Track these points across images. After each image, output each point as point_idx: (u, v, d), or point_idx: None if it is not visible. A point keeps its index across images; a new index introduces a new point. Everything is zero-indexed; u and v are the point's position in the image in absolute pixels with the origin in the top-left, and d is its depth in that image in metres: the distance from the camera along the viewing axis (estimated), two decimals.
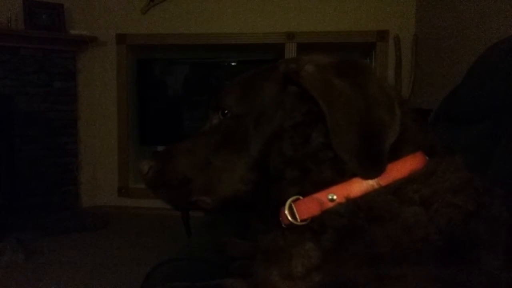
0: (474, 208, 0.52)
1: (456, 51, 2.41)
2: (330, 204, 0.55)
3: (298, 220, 0.55)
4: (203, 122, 0.71)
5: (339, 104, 0.55)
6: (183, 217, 2.83)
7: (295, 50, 3.44)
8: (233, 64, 3.74)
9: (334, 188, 0.55)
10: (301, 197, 0.57)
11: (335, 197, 0.55)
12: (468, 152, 0.95)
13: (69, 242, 2.85)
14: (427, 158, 0.58)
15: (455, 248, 0.49)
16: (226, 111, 0.64)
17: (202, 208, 0.65)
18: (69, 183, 3.51)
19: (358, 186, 0.55)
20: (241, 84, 0.70)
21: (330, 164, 0.56)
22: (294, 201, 0.57)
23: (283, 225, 0.58)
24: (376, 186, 0.54)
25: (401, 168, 0.55)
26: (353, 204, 0.53)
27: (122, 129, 3.71)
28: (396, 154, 0.56)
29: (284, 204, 0.57)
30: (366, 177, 0.54)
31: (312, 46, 3.52)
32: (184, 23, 3.55)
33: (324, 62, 0.61)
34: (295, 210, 0.56)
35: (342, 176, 0.55)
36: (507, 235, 0.51)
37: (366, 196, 0.54)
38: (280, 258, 0.56)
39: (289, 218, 0.56)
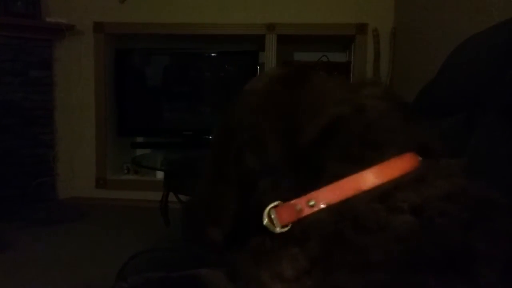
0: (470, 218, 0.49)
1: (433, 45, 2.44)
2: (310, 210, 0.52)
3: (279, 226, 0.53)
4: None
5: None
6: (161, 208, 2.83)
7: (275, 42, 3.44)
8: (213, 55, 3.72)
9: (314, 193, 0.52)
10: (280, 203, 0.54)
11: (314, 202, 0.52)
12: (443, 143, 0.97)
13: (45, 234, 2.81)
14: (419, 159, 0.55)
15: (452, 260, 0.47)
16: None
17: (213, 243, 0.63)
18: (45, 174, 3.45)
19: (338, 192, 0.52)
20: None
21: (306, 168, 0.54)
22: (274, 207, 0.54)
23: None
24: (356, 192, 0.51)
25: (383, 171, 0.52)
26: (336, 211, 0.51)
27: (100, 119, 3.66)
28: (373, 156, 0.53)
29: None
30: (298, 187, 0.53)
31: (292, 38, 3.53)
32: (164, 12, 3.51)
33: (273, 74, 0.61)
34: (274, 216, 0.54)
35: (319, 179, 0.53)
36: (507, 248, 0.48)
37: (347, 203, 0.51)
38: (270, 259, 0.54)
39: (269, 225, 0.53)
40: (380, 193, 0.51)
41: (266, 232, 0.55)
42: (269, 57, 3.46)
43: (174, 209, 2.67)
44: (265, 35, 3.44)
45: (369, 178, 0.52)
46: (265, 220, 0.54)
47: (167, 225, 2.68)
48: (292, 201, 0.53)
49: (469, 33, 1.09)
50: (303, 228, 0.52)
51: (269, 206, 0.54)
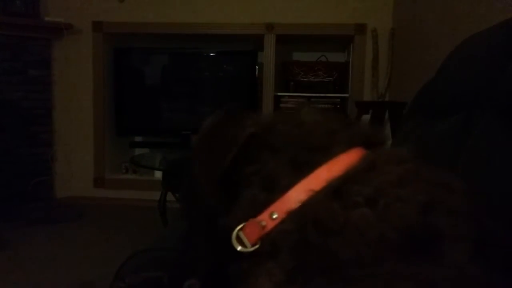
0: (427, 200, 0.50)
1: (432, 45, 2.44)
2: (274, 223, 0.53)
3: (249, 246, 0.54)
4: None
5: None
6: (159, 208, 2.83)
7: (274, 42, 3.44)
8: (212, 54, 3.71)
9: (273, 206, 0.53)
10: (245, 224, 0.55)
11: (276, 215, 0.53)
12: (441, 144, 0.97)
13: (43, 233, 2.81)
14: (365, 151, 0.57)
15: (416, 244, 0.47)
16: None
17: None
18: (43, 174, 3.45)
19: (293, 198, 0.53)
20: None
21: (259, 185, 0.55)
22: (241, 229, 0.55)
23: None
24: (310, 194, 0.52)
25: (332, 168, 0.54)
26: (296, 218, 0.52)
27: (98, 119, 3.66)
28: (319, 158, 0.55)
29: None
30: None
31: (291, 38, 3.53)
32: (162, 12, 3.51)
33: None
34: (243, 236, 0.54)
35: (274, 191, 0.54)
36: (470, 227, 0.49)
37: (305, 208, 0.52)
38: (247, 278, 0.55)
39: (239, 247, 0.54)
40: (334, 191, 0.52)
41: (241, 256, 0.56)
42: (268, 57, 3.46)
43: (172, 209, 2.67)
44: (264, 35, 3.44)
45: (320, 178, 0.53)
46: (235, 244, 0.54)
47: (165, 224, 2.68)
48: (256, 218, 0.54)
49: (467, 33, 1.10)
50: (272, 241, 0.53)
51: (236, 230, 0.55)
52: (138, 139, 3.96)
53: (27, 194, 3.31)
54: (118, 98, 3.71)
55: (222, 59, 3.71)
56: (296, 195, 0.53)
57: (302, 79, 3.49)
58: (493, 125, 0.80)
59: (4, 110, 3.19)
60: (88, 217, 3.21)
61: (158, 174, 3.44)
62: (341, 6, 3.36)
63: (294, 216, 0.52)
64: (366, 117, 2.67)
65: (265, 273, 0.52)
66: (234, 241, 0.55)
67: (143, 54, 3.79)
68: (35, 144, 3.40)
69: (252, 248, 0.54)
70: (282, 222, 0.53)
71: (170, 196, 2.68)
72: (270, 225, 0.53)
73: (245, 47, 3.67)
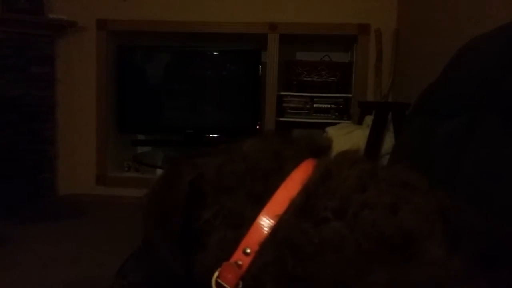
0: (392, 201, 0.50)
1: (436, 46, 2.43)
2: (250, 258, 0.53)
3: None
4: None
5: None
6: None
7: (278, 41, 3.43)
8: (215, 53, 3.71)
9: (244, 241, 0.53)
10: (220, 269, 0.54)
11: (249, 249, 0.52)
12: (444, 145, 0.96)
13: (44, 231, 2.81)
14: (316, 160, 0.57)
15: (392, 248, 0.47)
16: None
17: None
18: (45, 171, 3.45)
19: (262, 227, 0.52)
20: None
21: (224, 225, 0.55)
22: (218, 276, 0.54)
23: None
24: (277, 218, 0.52)
25: (289, 187, 0.54)
26: (272, 247, 0.51)
27: (101, 116, 3.66)
28: (273, 182, 0.55)
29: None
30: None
31: (295, 37, 3.52)
32: (166, 10, 3.51)
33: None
34: (222, 283, 0.54)
35: (241, 227, 0.54)
36: (439, 222, 0.49)
37: (278, 232, 0.52)
38: None
39: None
40: (300, 209, 0.51)
41: None
42: (271, 57, 3.45)
43: None
44: (268, 34, 3.43)
45: (281, 199, 0.53)
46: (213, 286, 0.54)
47: None
48: (230, 260, 0.53)
49: (472, 34, 1.09)
50: (254, 277, 0.52)
51: (213, 278, 0.54)
52: (140, 137, 3.96)
53: (30, 191, 3.31)
54: (121, 96, 3.71)
55: (225, 58, 3.70)
56: (264, 223, 0.52)
57: (305, 78, 3.48)
58: (496, 126, 0.79)
59: (6, 107, 3.19)
60: (90, 215, 3.21)
61: (160, 172, 3.44)
62: (345, 6, 3.35)
63: (269, 245, 0.52)
64: (369, 118, 2.67)
65: None
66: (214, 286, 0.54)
67: (146, 52, 3.79)
68: (38, 141, 3.40)
69: None
70: (259, 255, 0.52)
71: None
72: (246, 262, 0.53)
73: (249, 47, 3.66)
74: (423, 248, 0.47)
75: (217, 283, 0.54)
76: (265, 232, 0.52)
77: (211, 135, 3.68)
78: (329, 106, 3.43)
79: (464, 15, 2.10)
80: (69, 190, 3.64)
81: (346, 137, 2.57)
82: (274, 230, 0.52)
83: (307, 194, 0.53)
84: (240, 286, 0.53)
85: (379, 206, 0.49)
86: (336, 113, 3.42)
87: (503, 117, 0.79)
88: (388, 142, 2.48)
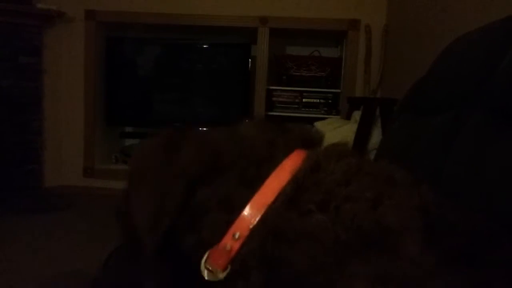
0: (374, 196, 0.51)
1: (425, 42, 2.45)
2: (239, 243, 0.54)
3: (220, 272, 0.54)
4: None
5: None
6: None
7: (268, 35, 3.43)
8: (205, 46, 3.69)
9: (234, 226, 0.54)
10: (210, 252, 0.55)
11: (238, 234, 0.54)
12: (430, 142, 0.98)
13: (31, 222, 2.79)
14: (306, 151, 0.58)
15: (369, 241, 0.48)
16: None
17: None
18: (32, 162, 3.42)
19: (251, 214, 0.54)
20: None
21: (217, 208, 0.55)
22: (206, 260, 0.55)
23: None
24: (266, 206, 0.54)
25: (280, 176, 0.55)
26: (258, 234, 0.53)
27: (89, 108, 3.63)
28: (265, 170, 0.56)
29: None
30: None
31: (285, 31, 3.52)
32: (157, 2, 3.48)
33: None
34: (211, 266, 0.55)
35: (233, 211, 0.55)
36: (418, 218, 0.50)
37: (266, 220, 0.53)
38: None
39: (211, 277, 0.54)
40: (288, 199, 0.53)
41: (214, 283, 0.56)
42: (261, 51, 3.45)
43: None
44: (258, 28, 3.43)
45: (271, 189, 0.54)
46: (205, 274, 0.55)
47: None
48: (220, 243, 0.54)
49: (461, 30, 1.10)
50: (241, 262, 0.53)
51: (203, 260, 0.55)
52: (128, 129, 3.94)
53: (16, 182, 3.28)
54: (110, 87, 3.69)
55: (215, 51, 3.69)
56: (253, 211, 0.54)
57: (294, 73, 3.48)
58: (481, 124, 0.81)
59: None
60: (76, 207, 3.19)
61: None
62: (335, 1, 3.36)
63: (256, 231, 0.53)
64: (358, 113, 2.68)
65: None
66: (204, 272, 0.55)
67: (135, 44, 3.76)
68: (25, 132, 3.36)
69: (224, 275, 0.54)
70: (247, 240, 0.53)
71: None
72: (235, 246, 0.54)
73: (239, 40, 3.66)
74: (399, 243, 0.48)
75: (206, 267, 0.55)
76: (254, 218, 0.53)
77: (200, 129, 3.67)
78: (318, 101, 3.44)
79: (453, 11, 2.12)
80: (56, 182, 3.62)
81: (334, 132, 2.58)
82: (262, 217, 0.53)
83: (296, 185, 0.54)
84: (228, 270, 0.54)
85: (361, 200, 0.51)
86: (325, 108, 3.44)
87: (488, 116, 0.80)
88: (376, 137, 2.50)
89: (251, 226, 0.53)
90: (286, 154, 0.57)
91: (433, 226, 0.50)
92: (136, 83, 3.72)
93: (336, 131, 2.60)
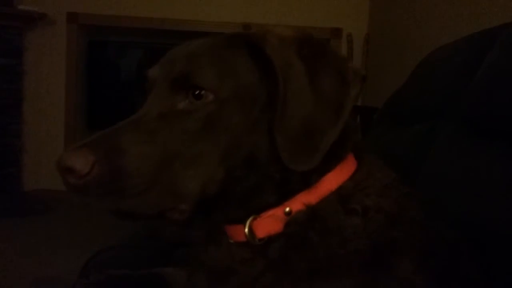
0: (396, 210, 0.54)
1: (406, 51, 2.49)
2: (286, 218, 0.55)
3: (256, 239, 0.55)
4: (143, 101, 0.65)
5: (291, 91, 0.52)
6: None
7: None
8: None
9: (299, 196, 0.55)
10: (258, 217, 0.56)
11: (287, 209, 0.55)
12: (406, 151, 1.00)
13: (9, 227, 2.75)
14: (355, 159, 0.60)
15: (376, 254, 0.50)
16: (202, 92, 0.56)
17: (173, 219, 0.54)
18: (11, 165, 3.36)
19: (318, 192, 0.55)
20: (212, 58, 0.62)
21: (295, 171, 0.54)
22: (252, 220, 0.55)
23: (230, 241, 0.58)
24: (328, 192, 0.55)
25: (343, 172, 0.57)
26: (310, 213, 0.54)
27: (70, 111, 3.59)
28: (338, 154, 0.57)
29: (237, 221, 0.56)
30: (293, 168, 0.52)
31: None
32: (140, 6, 3.47)
33: (287, 35, 0.59)
34: (253, 229, 0.55)
35: (309, 183, 0.56)
36: (422, 236, 0.53)
37: (321, 204, 0.55)
38: (227, 277, 0.56)
39: (248, 237, 0.55)
40: (343, 195, 0.55)
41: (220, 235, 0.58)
42: None
43: None
44: None
45: (331, 181, 0.56)
46: (246, 229, 0.55)
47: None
48: (272, 211, 0.55)
49: (440, 40, 1.13)
50: (284, 235, 0.55)
51: (250, 219, 0.56)
52: None
53: None
54: (91, 91, 3.66)
55: None
56: (321, 191, 0.55)
57: None
58: (455, 135, 0.83)
59: None
60: (56, 211, 3.15)
61: None
62: (318, 9, 3.39)
63: (311, 211, 0.54)
64: None
65: (248, 272, 0.55)
66: (246, 229, 0.55)
67: (118, 47, 3.74)
68: (3, 135, 3.30)
69: (258, 243, 0.55)
70: (297, 213, 0.55)
71: None
72: (284, 219, 0.55)
73: None
74: (397, 261, 0.50)
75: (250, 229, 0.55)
76: (315, 200, 0.55)
77: None
78: None
79: (434, 22, 2.16)
80: (35, 186, 3.56)
81: None
82: (319, 203, 0.55)
83: (350, 187, 0.56)
84: (263, 241, 0.55)
85: (388, 214, 0.53)
86: None
87: (462, 126, 0.83)
88: None
89: (309, 205, 0.55)
90: (346, 153, 0.59)
91: (430, 246, 0.52)
92: (118, 87, 3.70)
93: None
